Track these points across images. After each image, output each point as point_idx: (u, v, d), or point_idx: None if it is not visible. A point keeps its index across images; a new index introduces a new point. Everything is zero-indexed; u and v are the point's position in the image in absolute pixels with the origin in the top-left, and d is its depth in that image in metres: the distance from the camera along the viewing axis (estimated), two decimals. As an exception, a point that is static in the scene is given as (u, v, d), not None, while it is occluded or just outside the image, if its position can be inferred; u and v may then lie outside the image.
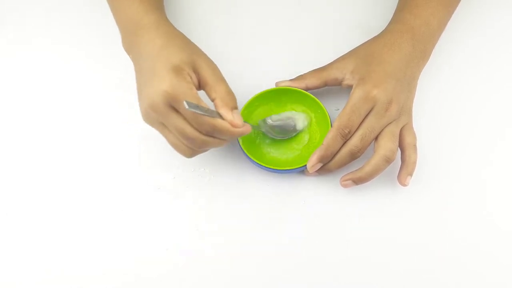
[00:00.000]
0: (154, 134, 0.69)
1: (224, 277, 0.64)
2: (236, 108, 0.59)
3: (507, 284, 0.64)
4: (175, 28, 0.63)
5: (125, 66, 0.71)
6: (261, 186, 0.67)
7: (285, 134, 0.67)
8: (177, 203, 0.67)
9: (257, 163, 0.64)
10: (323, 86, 0.67)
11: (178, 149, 0.59)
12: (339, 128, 0.62)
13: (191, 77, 0.58)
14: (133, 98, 0.70)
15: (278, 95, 0.68)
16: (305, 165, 0.64)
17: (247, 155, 0.64)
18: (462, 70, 0.72)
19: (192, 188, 0.67)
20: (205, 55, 0.61)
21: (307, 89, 0.67)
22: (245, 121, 0.59)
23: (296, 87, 0.67)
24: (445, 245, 0.65)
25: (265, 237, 0.65)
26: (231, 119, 0.57)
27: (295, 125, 0.67)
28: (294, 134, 0.67)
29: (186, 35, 0.63)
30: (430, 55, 0.68)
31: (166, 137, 0.59)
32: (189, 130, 0.56)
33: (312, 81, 0.67)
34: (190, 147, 0.58)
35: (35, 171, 0.68)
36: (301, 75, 0.68)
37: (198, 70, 0.59)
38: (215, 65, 0.60)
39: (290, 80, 0.68)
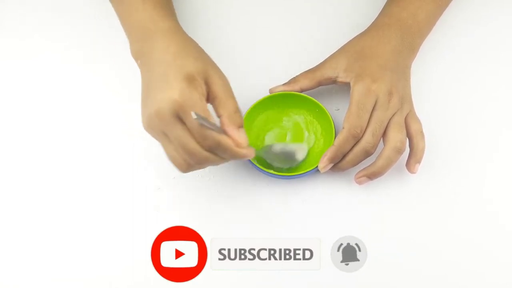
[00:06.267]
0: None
1: (224, 277, 0.64)
2: (242, 127, 0.57)
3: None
4: (189, 37, 0.62)
5: (126, 66, 0.71)
6: (261, 186, 0.67)
7: (286, 163, 0.66)
8: (177, 203, 0.67)
9: (266, 172, 0.64)
10: (317, 86, 0.67)
11: (175, 162, 0.57)
12: (350, 129, 0.62)
13: (202, 88, 0.56)
14: (133, 98, 0.70)
15: (275, 101, 0.67)
16: (307, 172, 0.64)
17: (255, 165, 0.64)
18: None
19: (192, 188, 0.67)
20: (218, 67, 0.59)
21: (301, 91, 0.67)
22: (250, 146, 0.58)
23: (291, 90, 0.66)
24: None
25: (265, 236, 0.65)
26: (237, 138, 0.56)
27: (295, 156, 0.66)
28: (294, 164, 0.66)
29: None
30: (418, 49, 0.69)
31: (165, 147, 0.57)
32: (191, 143, 0.55)
33: (306, 83, 0.66)
34: (188, 162, 0.56)
35: (35, 171, 0.68)
36: (294, 78, 0.67)
37: (210, 82, 0.57)
38: (227, 79, 0.59)
39: (284, 84, 0.67)
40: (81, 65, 0.73)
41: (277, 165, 0.65)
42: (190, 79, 0.55)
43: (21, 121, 0.70)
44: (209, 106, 0.58)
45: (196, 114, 0.52)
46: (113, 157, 0.69)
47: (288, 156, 0.66)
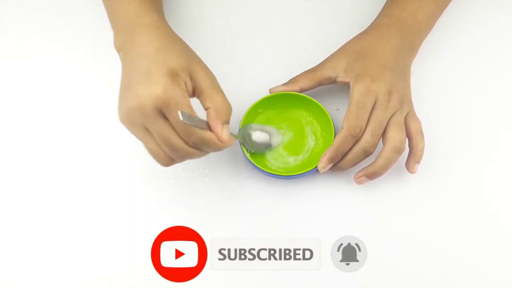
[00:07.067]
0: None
1: (224, 277, 0.65)
2: (228, 121, 0.57)
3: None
4: (173, 32, 0.62)
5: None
6: (261, 186, 0.67)
7: (259, 147, 0.66)
8: (177, 203, 0.67)
9: (266, 172, 0.64)
10: (317, 86, 0.67)
11: (156, 157, 0.57)
12: (349, 128, 0.62)
13: (186, 84, 0.56)
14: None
15: (275, 102, 0.67)
16: (306, 172, 0.64)
17: (253, 164, 0.64)
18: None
19: (192, 188, 0.67)
20: (202, 62, 0.59)
21: (301, 91, 0.67)
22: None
23: (290, 90, 0.66)
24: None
25: (265, 236, 0.65)
26: (220, 134, 0.56)
27: (270, 140, 0.66)
28: (268, 149, 0.67)
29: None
30: (418, 49, 0.69)
31: (145, 142, 0.57)
32: (175, 139, 0.55)
33: (306, 83, 0.66)
34: (170, 157, 0.57)
35: (35, 171, 0.68)
36: (294, 78, 0.68)
37: (195, 77, 0.57)
38: (212, 73, 0.59)
39: (283, 84, 0.67)
40: (81, 65, 0.73)
41: (248, 147, 0.65)
42: (173, 75, 0.55)
43: (21, 121, 0.70)
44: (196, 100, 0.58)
45: (182, 113, 0.52)
46: (113, 157, 0.69)
47: (263, 137, 0.66)
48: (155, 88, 0.53)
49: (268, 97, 0.67)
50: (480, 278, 0.64)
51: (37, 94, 0.71)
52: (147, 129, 0.55)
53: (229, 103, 0.57)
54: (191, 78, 0.57)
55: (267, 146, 0.66)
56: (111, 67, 0.71)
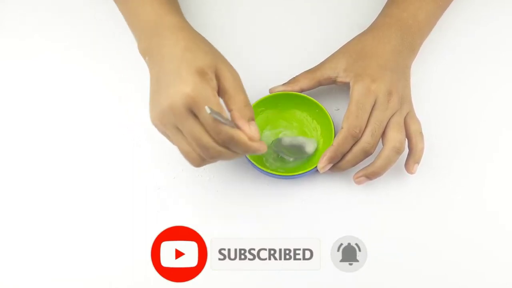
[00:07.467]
0: (154, 134, 0.69)
1: (224, 277, 0.65)
2: (253, 120, 0.57)
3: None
4: (197, 32, 0.62)
5: (127, 66, 0.71)
6: (261, 186, 0.67)
7: (296, 155, 0.66)
8: (177, 203, 0.67)
9: (266, 172, 0.64)
10: (317, 86, 0.67)
11: (188, 157, 0.57)
12: (349, 129, 0.62)
13: (213, 83, 0.56)
14: (133, 97, 0.70)
15: (275, 102, 0.67)
16: (306, 172, 0.65)
17: (253, 164, 0.64)
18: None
19: (192, 188, 0.67)
20: (227, 61, 0.59)
21: (301, 91, 0.67)
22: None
23: (290, 90, 0.66)
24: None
25: (265, 236, 0.65)
26: (249, 131, 0.56)
27: (305, 149, 0.66)
28: (305, 157, 0.67)
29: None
30: (418, 50, 0.69)
31: (178, 143, 0.57)
32: (205, 138, 0.55)
33: (306, 83, 0.66)
34: (201, 157, 0.57)
35: (35, 171, 0.68)
36: (294, 78, 0.68)
37: (220, 77, 0.57)
38: (237, 73, 0.59)
39: (283, 84, 0.67)
40: (81, 65, 0.73)
41: (288, 158, 0.66)
42: (202, 73, 0.55)
43: (21, 121, 0.70)
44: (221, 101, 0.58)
45: (210, 108, 0.52)
46: (113, 157, 0.69)
47: (298, 149, 0.66)
48: (184, 87, 0.54)
49: (268, 97, 0.67)
50: (480, 278, 0.64)
51: (37, 94, 0.71)
52: (179, 129, 0.56)
53: (250, 104, 0.58)
54: (216, 78, 0.57)
55: (303, 154, 0.66)
56: (111, 67, 0.72)
